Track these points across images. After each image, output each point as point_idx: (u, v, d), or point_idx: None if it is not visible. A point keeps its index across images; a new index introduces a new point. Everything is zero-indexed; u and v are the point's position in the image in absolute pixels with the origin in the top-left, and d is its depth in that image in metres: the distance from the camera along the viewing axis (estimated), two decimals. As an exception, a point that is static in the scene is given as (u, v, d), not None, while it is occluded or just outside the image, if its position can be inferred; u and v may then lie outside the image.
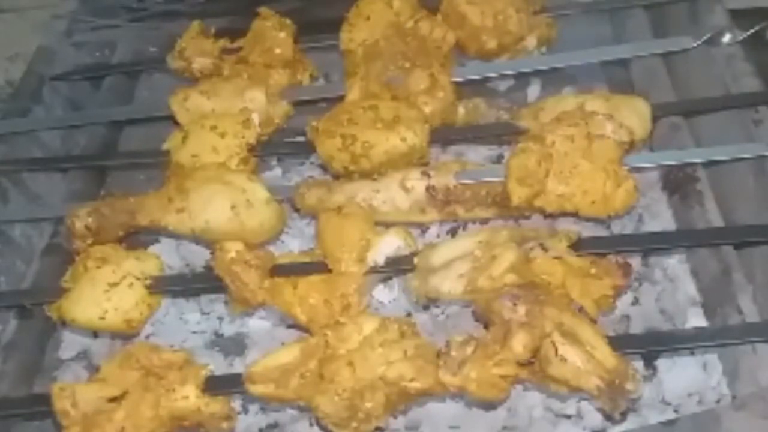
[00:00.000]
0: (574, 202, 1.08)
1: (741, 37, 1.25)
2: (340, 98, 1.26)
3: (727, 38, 1.25)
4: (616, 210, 1.08)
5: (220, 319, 1.20)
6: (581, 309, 0.97)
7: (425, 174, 1.14)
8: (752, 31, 1.25)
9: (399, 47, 1.30)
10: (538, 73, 1.35)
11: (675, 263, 1.13)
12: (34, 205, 1.40)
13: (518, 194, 1.08)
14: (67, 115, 1.54)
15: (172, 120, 1.34)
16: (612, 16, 1.46)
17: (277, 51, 1.36)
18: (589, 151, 1.07)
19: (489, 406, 1.03)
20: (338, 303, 1.05)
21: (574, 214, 1.10)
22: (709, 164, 1.15)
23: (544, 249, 0.99)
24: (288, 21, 1.39)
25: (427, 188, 1.14)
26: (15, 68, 1.59)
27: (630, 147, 1.10)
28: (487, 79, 1.35)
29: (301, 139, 1.26)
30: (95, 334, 1.20)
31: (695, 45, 1.27)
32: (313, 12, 1.52)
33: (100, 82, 1.56)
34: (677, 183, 1.16)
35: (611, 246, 1.05)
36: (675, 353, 1.03)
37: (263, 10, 1.40)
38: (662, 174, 1.20)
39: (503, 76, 1.36)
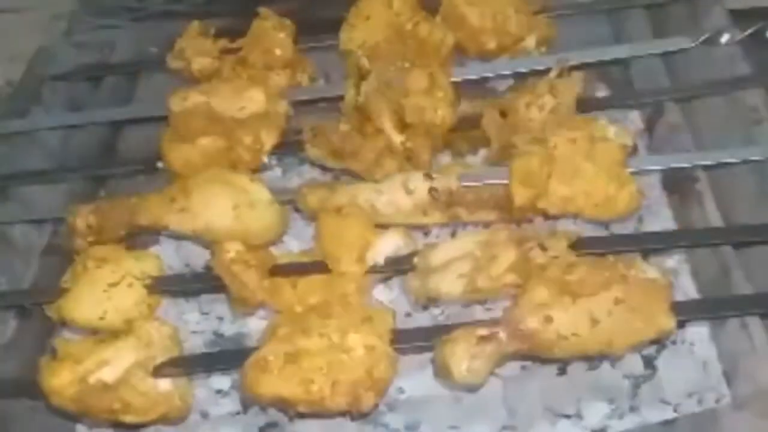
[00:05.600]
0: (577, 205, 1.08)
1: (740, 37, 1.25)
2: (340, 98, 1.26)
3: (725, 38, 1.25)
4: (619, 213, 1.08)
5: (220, 319, 1.20)
6: None
7: (428, 176, 1.14)
8: (751, 31, 1.25)
9: (399, 48, 1.30)
10: (537, 73, 1.35)
11: (675, 263, 1.13)
12: (34, 205, 1.40)
13: (521, 195, 1.08)
14: (67, 115, 1.53)
15: (172, 120, 1.34)
16: (611, 16, 1.46)
17: (277, 51, 1.36)
18: (592, 154, 1.07)
19: (488, 405, 1.03)
20: (338, 303, 1.05)
21: (577, 217, 1.10)
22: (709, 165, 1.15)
23: (544, 249, 0.99)
24: (288, 21, 1.39)
25: (430, 190, 1.13)
26: (15, 68, 1.59)
27: (633, 150, 1.10)
28: (486, 79, 1.35)
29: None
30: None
31: (693, 45, 1.27)
32: (313, 12, 1.52)
33: (100, 82, 1.56)
34: (677, 183, 1.17)
35: (611, 246, 1.05)
36: (675, 353, 1.03)
37: (263, 10, 1.40)
38: (662, 174, 1.20)
39: (503, 76, 1.36)
